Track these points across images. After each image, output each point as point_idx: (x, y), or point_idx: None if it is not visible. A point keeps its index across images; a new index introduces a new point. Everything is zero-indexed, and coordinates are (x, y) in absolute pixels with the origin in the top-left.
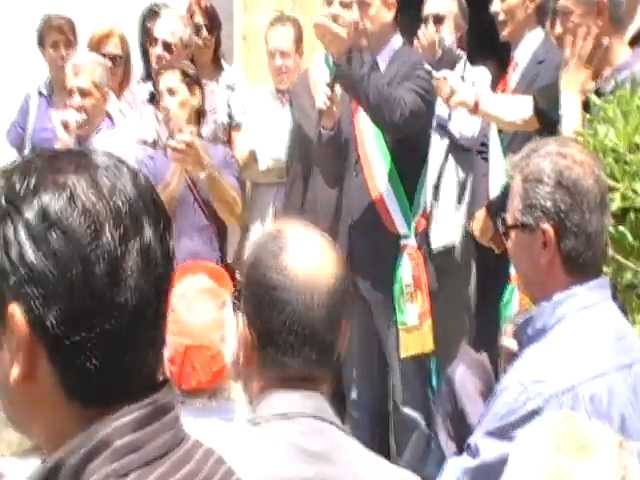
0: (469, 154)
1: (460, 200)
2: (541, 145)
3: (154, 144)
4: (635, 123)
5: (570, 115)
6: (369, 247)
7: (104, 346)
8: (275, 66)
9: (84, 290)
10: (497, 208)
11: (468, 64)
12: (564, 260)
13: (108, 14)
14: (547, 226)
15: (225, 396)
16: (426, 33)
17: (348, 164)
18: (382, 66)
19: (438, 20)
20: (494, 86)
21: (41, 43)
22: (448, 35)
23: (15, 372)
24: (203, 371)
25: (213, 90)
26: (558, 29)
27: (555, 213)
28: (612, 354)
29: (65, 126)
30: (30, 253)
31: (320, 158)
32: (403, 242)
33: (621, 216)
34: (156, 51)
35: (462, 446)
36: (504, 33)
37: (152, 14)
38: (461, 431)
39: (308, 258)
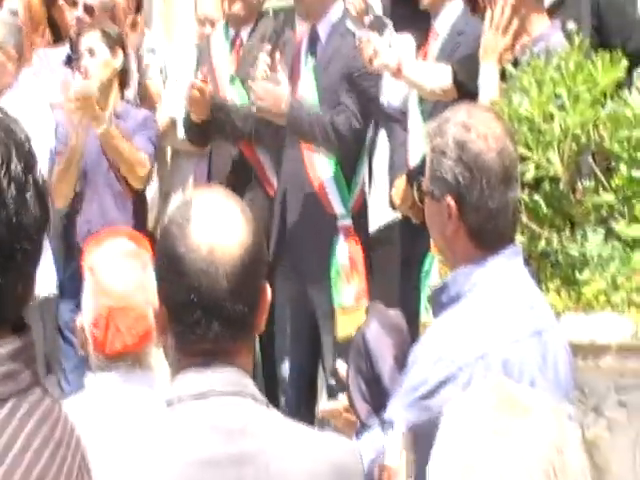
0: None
1: None
2: (452, 115)
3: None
4: (549, 93)
5: (488, 85)
6: (305, 226)
7: (4, 269)
8: (204, 34)
9: None
10: (416, 177)
11: (394, 32)
12: (469, 232)
13: None
14: (449, 199)
15: (148, 362)
16: (355, 1)
17: (289, 138)
18: (322, 37)
19: None
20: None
21: None
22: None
23: None
24: (129, 333)
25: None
26: None
27: (456, 187)
28: (524, 321)
29: None
30: None
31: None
32: (340, 222)
33: (535, 185)
34: (77, 13)
35: (376, 407)
36: (424, 2)
37: None
38: (375, 392)
39: (212, 229)
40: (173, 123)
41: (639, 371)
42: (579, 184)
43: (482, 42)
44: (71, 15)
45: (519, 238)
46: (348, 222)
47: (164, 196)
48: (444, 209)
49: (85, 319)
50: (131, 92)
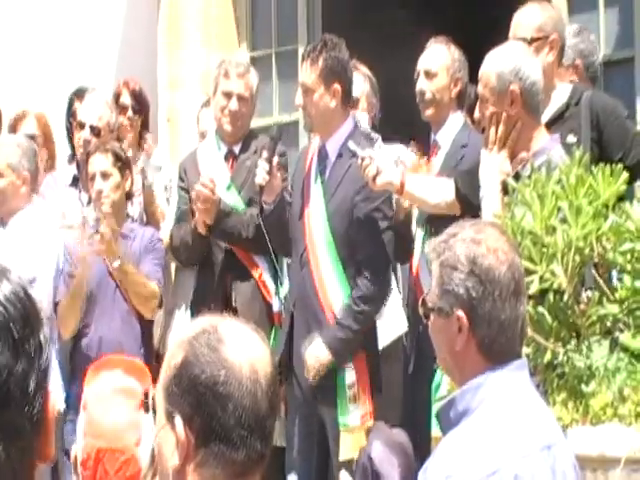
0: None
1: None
2: (459, 230)
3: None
4: (551, 206)
5: (490, 198)
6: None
7: None
8: None
9: None
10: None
11: (383, 144)
12: (479, 345)
13: (36, 98)
14: (460, 312)
15: None
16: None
17: (296, 252)
18: (331, 155)
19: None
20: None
21: None
22: (364, 118)
23: None
24: (116, 476)
25: (139, 171)
26: (477, 114)
27: (467, 300)
28: (533, 436)
29: None
30: None
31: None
32: None
33: (540, 297)
34: (83, 135)
35: None
36: (428, 113)
37: (79, 97)
38: None
39: (247, 349)
40: None
41: None
42: (583, 295)
43: (481, 157)
44: (78, 137)
45: (525, 350)
46: None
47: (169, 312)
48: (453, 323)
49: (78, 453)
50: (136, 210)
